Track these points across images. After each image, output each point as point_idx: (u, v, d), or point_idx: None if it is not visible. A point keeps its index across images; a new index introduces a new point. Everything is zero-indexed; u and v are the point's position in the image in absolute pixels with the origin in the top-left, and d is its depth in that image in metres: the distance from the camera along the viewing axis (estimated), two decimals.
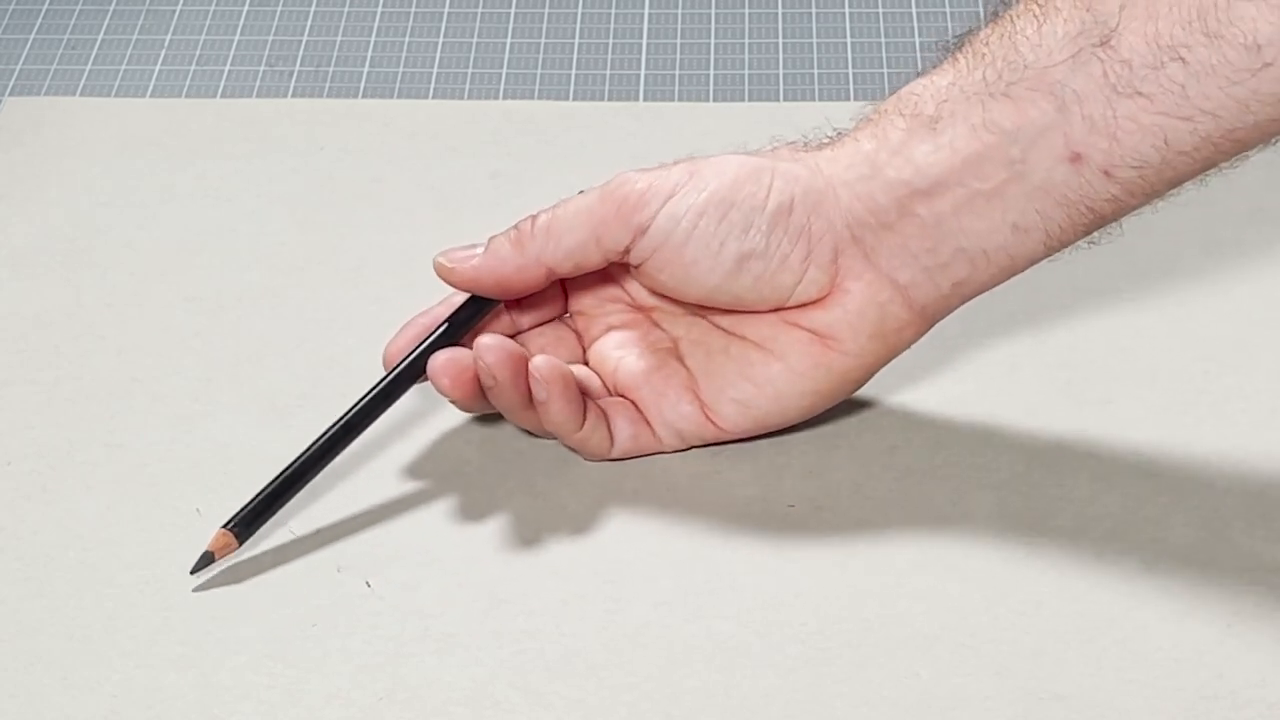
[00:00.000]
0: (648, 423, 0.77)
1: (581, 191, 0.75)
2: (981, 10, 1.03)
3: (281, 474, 0.75)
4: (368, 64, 1.01)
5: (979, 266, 0.73)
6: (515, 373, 0.74)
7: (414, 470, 0.79)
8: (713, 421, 0.77)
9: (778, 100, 0.98)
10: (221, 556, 0.74)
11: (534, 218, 0.75)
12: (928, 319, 0.75)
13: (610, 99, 0.99)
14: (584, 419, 0.75)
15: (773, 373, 0.75)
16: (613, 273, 0.77)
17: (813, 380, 0.75)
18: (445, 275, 0.75)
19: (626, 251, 0.73)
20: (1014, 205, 0.71)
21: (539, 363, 0.74)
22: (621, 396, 0.78)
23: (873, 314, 0.74)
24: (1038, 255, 0.72)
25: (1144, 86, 0.66)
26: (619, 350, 0.78)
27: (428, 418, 0.81)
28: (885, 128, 0.72)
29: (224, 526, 0.74)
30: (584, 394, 0.76)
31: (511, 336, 0.77)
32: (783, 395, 0.76)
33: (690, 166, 0.73)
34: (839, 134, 0.74)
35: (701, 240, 0.73)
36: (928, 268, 0.73)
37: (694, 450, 0.79)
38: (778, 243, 0.72)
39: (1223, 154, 0.68)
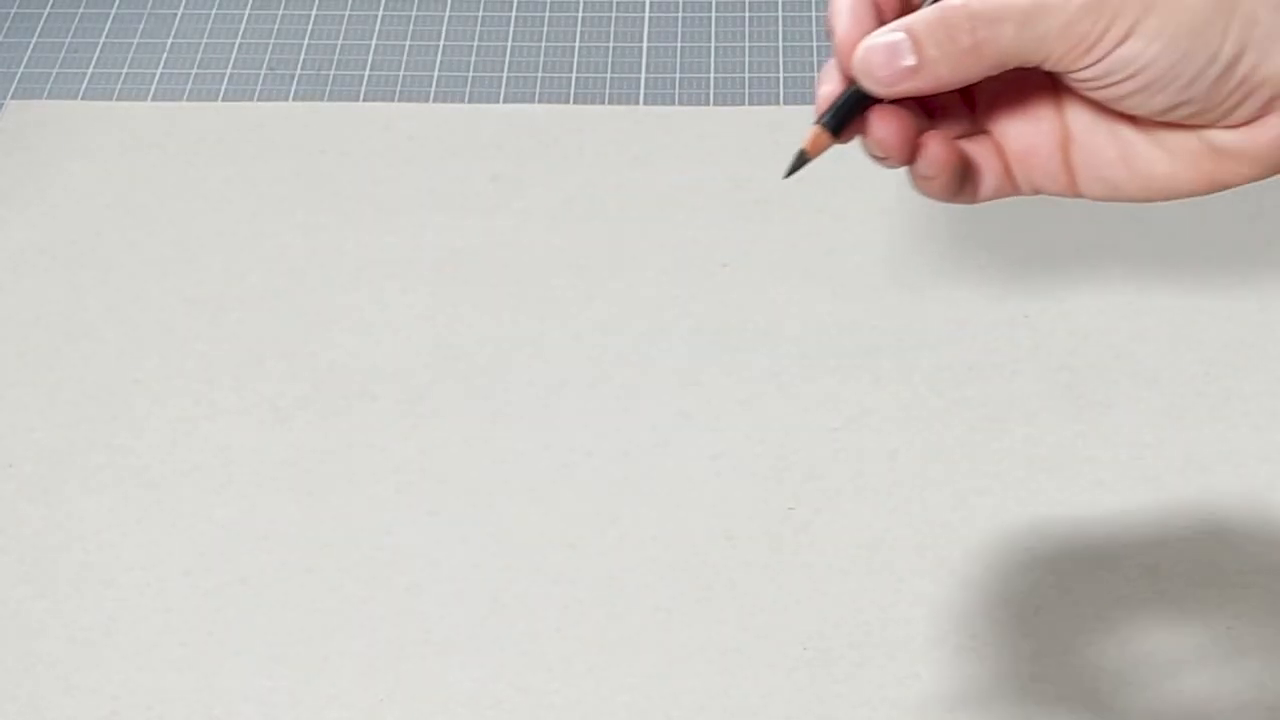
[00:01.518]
0: (1010, 174, 0.73)
1: None
2: None
3: None
4: (368, 67, 1.01)
5: None
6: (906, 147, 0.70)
7: (414, 471, 0.79)
8: (1075, 187, 0.73)
9: (778, 104, 0.98)
10: (816, 154, 0.67)
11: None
12: None
13: (610, 103, 0.99)
14: (960, 188, 0.72)
15: (1156, 169, 0.71)
16: None
17: (1191, 184, 0.71)
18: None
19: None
20: None
21: (934, 153, 0.69)
22: (987, 134, 0.74)
23: (1278, 151, 0.70)
24: None
25: None
26: (998, 83, 0.75)
27: (428, 418, 0.81)
28: None
29: (817, 123, 0.66)
30: (963, 155, 0.71)
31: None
32: (1155, 188, 0.71)
33: None
34: None
35: (1141, 85, 0.69)
36: None
37: (694, 452, 0.79)
38: (1216, 95, 0.69)
39: None
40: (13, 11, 1.05)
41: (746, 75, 1.00)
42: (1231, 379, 0.81)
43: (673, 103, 0.99)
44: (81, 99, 0.99)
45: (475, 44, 1.03)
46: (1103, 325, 0.84)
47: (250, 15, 1.05)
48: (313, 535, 0.76)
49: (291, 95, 0.99)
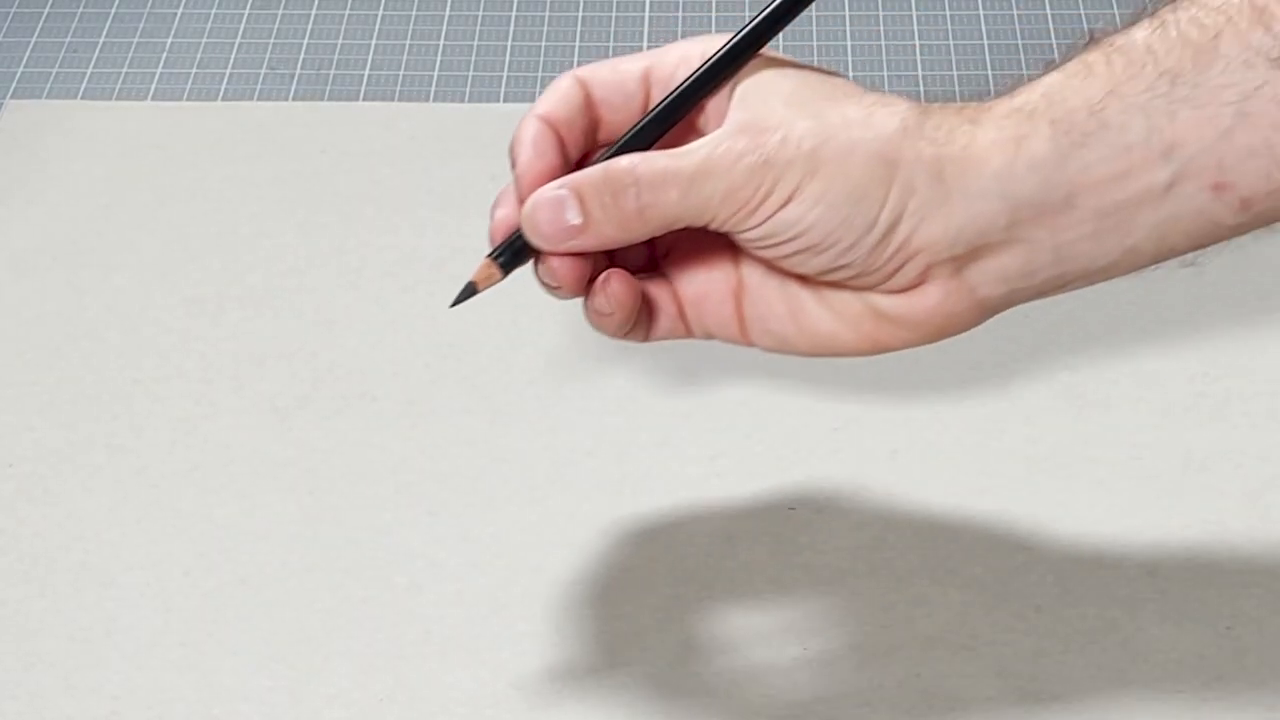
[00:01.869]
0: (684, 316, 0.74)
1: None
2: (981, 16, 1.03)
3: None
4: (368, 67, 1.01)
5: (1069, 281, 0.69)
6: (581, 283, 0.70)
7: (414, 472, 0.79)
8: (746, 336, 0.74)
9: None
10: (484, 288, 0.69)
11: (635, 167, 0.67)
12: (989, 314, 0.72)
13: None
14: (634, 326, 0.72)
15: (820, 327, 0.72)
16: None
17: (854, 344, 0.72)
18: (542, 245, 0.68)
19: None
20: (1139, 230, 0.66)
21: (615, 291, 0.70)
22: (663, 276, 0.74)
23: (940, 318, 0.71)
24: (1134, 269, 0.69)
25: None
26: (676, 230, 0.75)
27: (428, 418, 0.81)
28: (1030, 134, 0.66)
29: (490, 256, 0.69)
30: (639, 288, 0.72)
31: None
32: (820, 345, 0.73)
33: (812, 162, 0.66)
34: (975, 124, 0.67)
35: (803, 247, 0.69)
36: (1015, 286, 0.71)
37: (694, 452, 0.79)
38: (874, 260, 0.69)
39: None
40: (12, 11, 1.05)
41: None
42: (1231, 379, 0.81)
43: None
44: (81, 99, 0.99)
45: (475, 44, 1.03)
46: (1103, 326, 0.84)
47: (250, 15, 1.05)
48: (313, 535, 0.76)
49: (291, 95, 0.99)
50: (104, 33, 1.04)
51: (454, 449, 0.80)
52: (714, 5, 1.05)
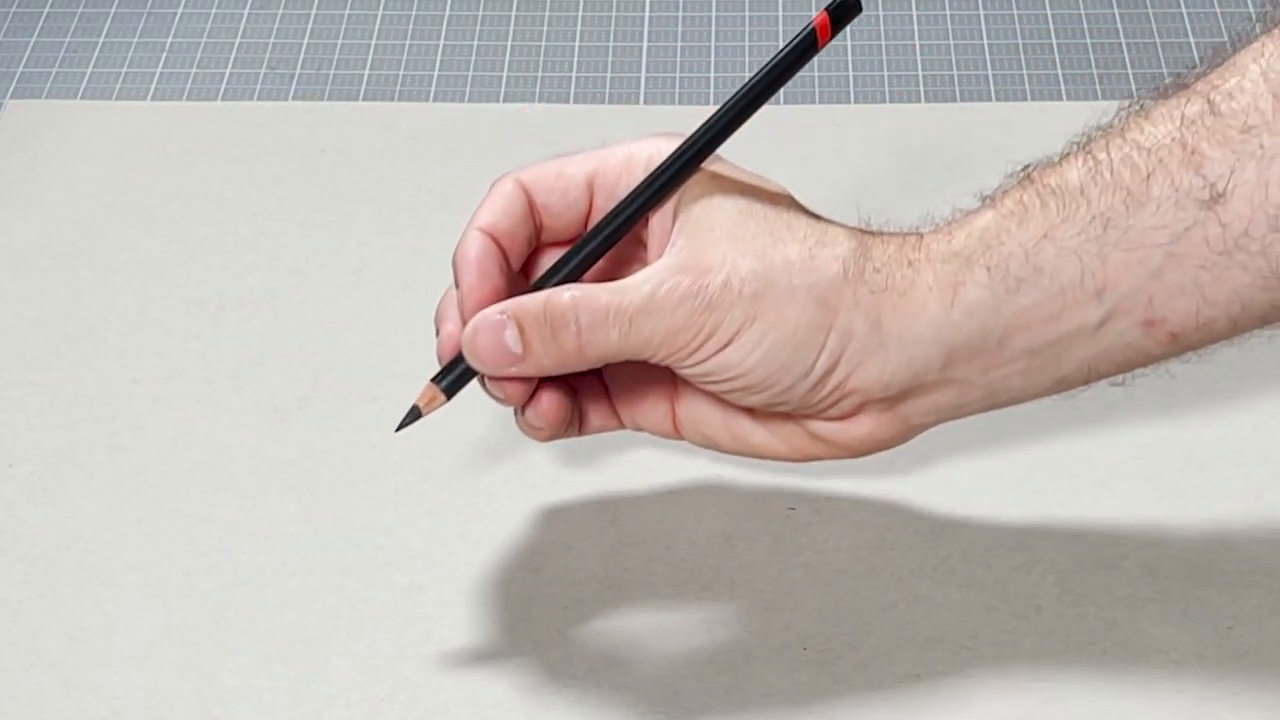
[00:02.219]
0: (616, 413, 0.75)
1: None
2: (981, 16, 1.03)
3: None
4: (368, 67, 1.01)
5: (999, 405, 0.71)
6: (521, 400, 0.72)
7: (414, 472, 0.79)
8: (678, 433, 0.76)
9: (779, 104, 0.98)
10: (428, 412, 0.70)
11: (577, 303, 0.68)
12: (919, 433, 0.74)
13: (611, 102, 0.99)
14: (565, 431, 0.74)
15: (754, 437, 0.74)
16: None
17: (786, 454, 0.73)
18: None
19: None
20: (1070, 364, 0.68)
21: (546, 408, 0.71)
22: (597, 374, 0.75)
23: (871, 442, 0.73)
24: (1062, 392, 0.71)
25: (1241, 255, 0.64)
26: None
27: (427, 421, 0.80)
28: (966, 280, 0.67)
29: (434, 381, 0.70)
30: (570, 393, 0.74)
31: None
32: (753, 451, 0.74)
33: (753, 306, 0.67)
34: (914, 267, 0.68)
35: (741, 386, 0.71)
36: (946, 416, 0.72)
37: (694, 453, 0.79)
38: (811, 399, 0.71)
39: (1274, 315, 0.66)
40: (12, 11, 1.05)
41: (747, 75, 1.00)
42: (1231, 379, 0.81)
43: (673, 103, 0.99)
44: (81, 98, 0.99)
45: (475, 44, 1.03)
46: None
47: (250, 15, 1.05)
48: (313, 535, 0.76)
49: (291, 95, 0.99)
50: (104, 33, 1.04)
51: (454, 449, 0.80)
52: (714, 5, 1.05)
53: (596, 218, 0.71)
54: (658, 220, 0.70)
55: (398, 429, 0.70)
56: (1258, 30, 0.66)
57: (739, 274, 0.67)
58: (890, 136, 0.95)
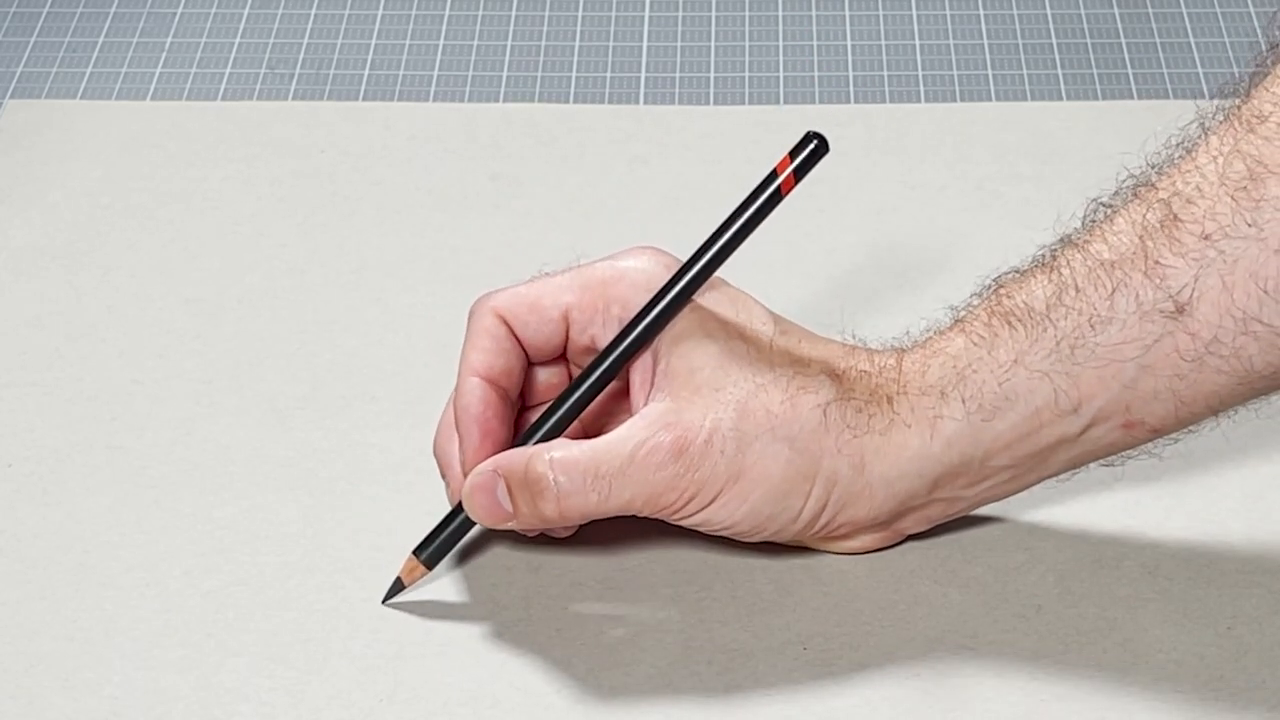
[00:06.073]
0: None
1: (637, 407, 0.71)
2: (981, 16, 1.03)
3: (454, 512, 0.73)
4: (368, 67, 1.01)
5: (989, 502, 0.73)
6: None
7: (414, 472, 0.79)
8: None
9: (778, 103, 0.98)
10: (411, 583, 0.73)
11: (569, 463, 0.69)
12: (909, 534, 0.75)
13: (610, 102, 0.99)
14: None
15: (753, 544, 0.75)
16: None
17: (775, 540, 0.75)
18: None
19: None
20: (1055, 466, 0.70)
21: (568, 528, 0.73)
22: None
23: (864, 549, 0.74)
24: (1049, 478, 0.72)
25: (1215, 360, 0.65)
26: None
27: (428, 418, 0.80)
28: (943, 414, 0.69)
29: (415, 554, 0.73)
30: None
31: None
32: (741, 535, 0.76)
33: (736, 463, 0.68)
34: (893, 404, 0.70)
35: (730, 534, 0.72)
36: (938, 523, 0.74)
37: None
38: (802, 536, 0.72)
39: (1253, 398, 0.68)
40: (12, 11, 1.05)
41: (746, 75, 1.00)
42: None
43: (673, 103, 0.99)
44: (81, 98, 0.99)
45: (475, 43, 1.03)
46: None
47: (250, 14, 1.05)
48: (313, 535, 0.76)
49: (291, 94, 0.99)
50: (104, 32, 1.04)
51: None
52: (714, 5, 1.05)
53: (573, 349, 0.73)
54: (639, 361, 0.71)
55: (384, 601, 0.73)
56: (1218, 120, 0.66)
57: (721, 431, 0.69)
58: (890, 136, 0.95)
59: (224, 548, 0.76)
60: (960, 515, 0.74)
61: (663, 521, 0.72)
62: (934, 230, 0.90)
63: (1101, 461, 0.71)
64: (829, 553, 0.74)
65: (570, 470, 0.69)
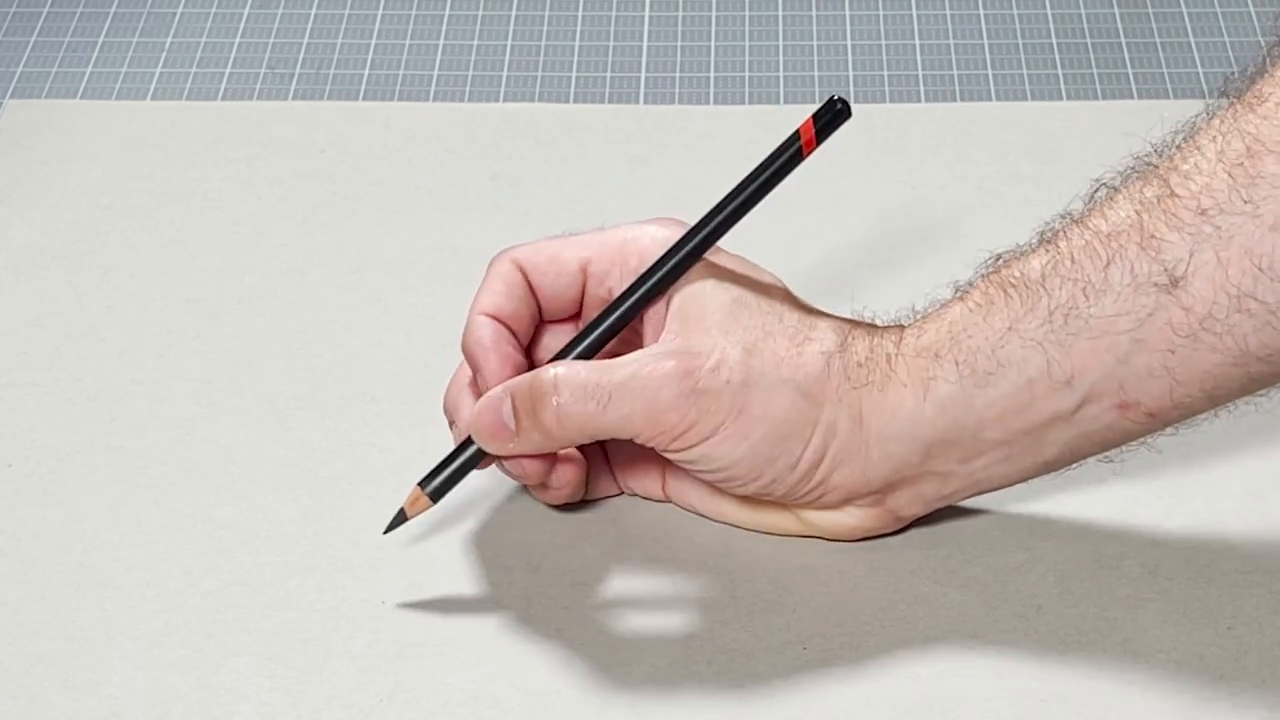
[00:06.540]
0: (614, 477, 0.77)
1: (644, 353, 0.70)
2: (981, 16, 1.03)
3: (462, 447, 0.73)
4: (368, 66, 1.01)
5: (985, 489, 0.73)
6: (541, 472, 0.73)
7: (414, 472, 0.79)
8: (667, 498, 0.77)
9: (778, 103, 0.98)
10: (413, 515, 0.73)
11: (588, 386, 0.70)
12: (909, 521, 0.75)
13: (610, 101, 0.99)
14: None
15: (740, 516, 0.75)
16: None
17: (774, 529, 0.75)
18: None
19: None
20: (1051, 448, 0.70)
21: (565, 474, 0.73)
22: (600, 445, 0.76)
23: (860, 532, 0.74)
24: (1049, 473, 0.72)
25: (1209, 337, 0.65)
26: None
27: (427, 422, 0.81)
28: (936, 375, 0.69)
29: (420, 486, 0.73)
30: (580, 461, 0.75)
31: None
32: (739, 523, 0.76)
33: (740, 397, 0.69)
34: (890, 362, 0.70)
35: (726, 477, 0.72)
36: (934, 505, 0.73)
37: None
38: (797, 490, 0.72)
39: (1261, 388, 0.67)
40: (12, 11, 1.05)
41: (746, 75, 1.00)
42: None
43: (673, 102, 0.99)
44: (81, 98, 0.99)
45: (475, 43, 1.03)
46: None
47: (250, 14, 1.05)
48: (313, 535, 0.76)
49: (291, 94, 0.99)
50: (104, 32, 1.04)
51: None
52: (714, 5, 1.05)
53: (589, 302, 0.73)
54: (653, 309, 0.72)
55: (386, 531, 0.73)
56: (1220, 107, 0.66)
57: (729, 362, 0.69)
58: (890, 136, 0.95)
59: (224, 548, 0.76)
60: (955, 500, 0.73)
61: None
62: (934, 230, 0.90)
63: (1100, 457, 0.71)
64: (821, 538, 0.74)
65: (572, 380, 0.69)
